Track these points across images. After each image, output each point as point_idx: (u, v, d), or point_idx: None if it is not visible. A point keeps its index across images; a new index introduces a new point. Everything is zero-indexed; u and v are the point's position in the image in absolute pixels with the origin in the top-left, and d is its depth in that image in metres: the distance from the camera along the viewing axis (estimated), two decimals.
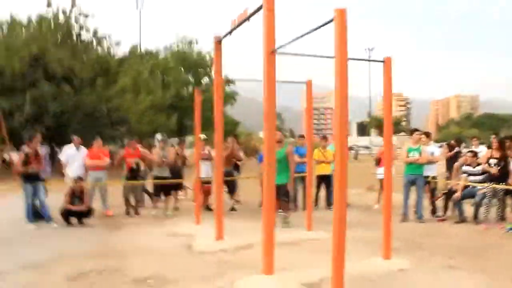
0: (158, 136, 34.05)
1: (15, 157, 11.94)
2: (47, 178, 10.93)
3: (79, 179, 10.41)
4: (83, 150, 11.70)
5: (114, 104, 25.77)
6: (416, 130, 11.36)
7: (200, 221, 9.62)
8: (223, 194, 8.50)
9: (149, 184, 12.30)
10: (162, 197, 11.62)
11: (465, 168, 10.40)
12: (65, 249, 7.65)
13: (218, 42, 7.72)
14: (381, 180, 12.29)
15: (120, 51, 29.82)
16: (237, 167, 12.82)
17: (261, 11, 5.54)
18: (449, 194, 10.55)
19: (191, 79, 36.04)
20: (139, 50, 31.48)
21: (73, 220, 10.01)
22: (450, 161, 12.66)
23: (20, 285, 5.87)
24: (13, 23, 26.38)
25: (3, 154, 26.60)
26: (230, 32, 6.96)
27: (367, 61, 7.84)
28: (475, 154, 10.47)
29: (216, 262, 6.75)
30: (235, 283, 5.68)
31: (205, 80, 36.82)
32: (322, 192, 12.50)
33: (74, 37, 27.72)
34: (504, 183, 9.64)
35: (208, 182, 11.73)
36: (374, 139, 74.24)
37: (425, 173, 10.57)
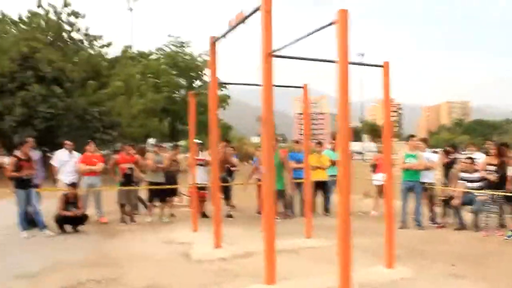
0: (151, 140, 33.93)
1: (6, 161, 11.75)
2: (40, 183, 10.71)
3: (73, 185, 10.25)
4: (76, 154, 11.51)
5: (105, 107, 25.54)
6: (413, 136, 11.31)
7: (197, 228, 9.47)
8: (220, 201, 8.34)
9: (143, 190, 12.13)
10: (157, 203, 11.45)
11: (463, 174, 10.33)
12: (60, 258, 7.46)
13: (214, 43, 7.61)
14: (378, 186, 12.27)
15: (112, 53, 29.63)
16: (230, 173, 12.67)
17: (258, 13, 5.44)
18: (447, 200, 10.49)
19: (183, 82, 35.91)
20: (131, 51, 31.24)
21: (68, 227, 9.84)
22: (447, 168, 12.56)
23: None
24: (3, 21, 26.10)
25: None
26: (226, 33, 6.86)
27: (365, 65, 7.70)
28: (472, 161, 10.41)
29: (215, 271, 6.62)
30: None
31: (197, 83, 36.74)
32: (319, 198, 12.37)
33: (65, 37, 27.50)
34: (502, 190, 9.59)
35: (204, 188, 11.59)
36: (367, 145, 74.29)
37: (423, 180, 10.51)
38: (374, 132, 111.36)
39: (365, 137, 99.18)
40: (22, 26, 26.34)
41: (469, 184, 10.15)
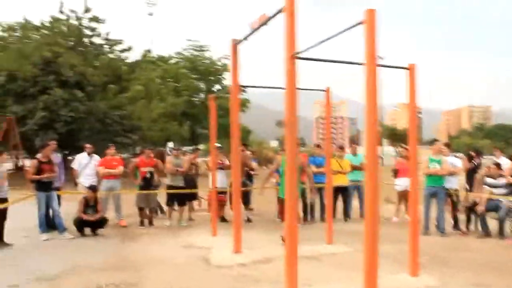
0: (170, 144, 34.02)
1: (27, 163, 11.81)
2: (61, 186, 10.75)
3: (93, 188, 10.26)
4: (96, 157, 11.54)
5: (126, 111, 25.69)
6: (436, 140, 11.11)
7: (216, 233, 9.39)
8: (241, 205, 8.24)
9: (162, 194, 12.10)
10: (176, 207, 11.40)
11: (488, 180, 10.09)
12: (79, 261, 7.45)
13: (235, 45, 7.53)
14: (399, 192, 12.06)
15: (132, 57, 29.84)
16: (249, 177, 12.56)
17: (281, 14, 5.34)
18: (471, 207, 10.25)
19: (202, 86, 35.97)
20: (150, 55, 31.41)
21: (87, 230, 9.85)
22: (470, 173, 12.34)
23: None
24: (25, 27, 26.47)
25: (16, 161, 26.65)
26: (248, 36, 6.78)
27: (390, 67, 7.54)
28: (498, 166, 10.16)
29: (234, 276, 6.52)
30: None
31: (217, 87, 36.74)
32: (339, 203, 12.19)
33: (86, 42, 27.79)
34: None
35: (223, 192, 11.51)
36: (386, 149, 73.65)
37: (446, 185, 10.28)
38: (394, 136, 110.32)
39: (385, 141, 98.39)
40: (44, 32, 26.65)
41: (495, 190, 9.91)
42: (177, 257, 7.76)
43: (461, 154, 14.10)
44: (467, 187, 12.37)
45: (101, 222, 9.97)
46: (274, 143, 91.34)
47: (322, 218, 11.65)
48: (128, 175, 11.88)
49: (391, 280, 6.06)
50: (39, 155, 9.77)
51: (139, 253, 8.11)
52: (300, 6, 5.11)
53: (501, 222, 9.62)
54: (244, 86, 8.31)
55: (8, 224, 8.92)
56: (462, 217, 10.69)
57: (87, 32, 27.68)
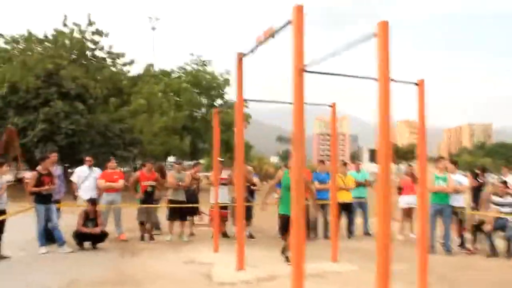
0: (170, 158, 33.88)
1: (28, 175, 11.66)
2: (61, 199, 10.58)
3: (93, 201, 10.10)
4: (96, 170, 11.38)
5: (127, 124, 25.62)
6: (442, 157, 10.98)
7: (218, 249, 9.22)
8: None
9: (162, 208, 11.93)
10: (177, 221, 11.21)
11: (495, 198, 9.94)
12: (78, 275, 7.28)
13: (240, 59, 7.42)
14: (403, 210, 11.91)
15: (134, 71, 29.86)
16: (251, 192, 12.39)
17: (289, 27, 5.24)
18: (478, 225, 10.09)
19: (204, 100, 35.94)
20: (152, 70, 31.43)
21: (86, 244, 9.67)
22: (475, 191, 12.19)
23: None
24: (29, 39, 26.53)
25: (16, 173, 26.49)
26: (254, 49, 6.68)
27: (398, 82, 7.39)
28: (506, 184, 10.01)
29: None
30: None
31: (218, 102, 36.69)
32: (342, 220, 12.02)
33: (89, 55, 27.84)
34: None
35: (225, 207, 11.34)
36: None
37: (452, 203, 10.12)
38: (395, 153, 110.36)
39: None
40: (47, 44, 26.70)
41: (502, 209, 9.75)
42: (178, 272, 7.59)
43: (466, 172, 13.94)
44: (472, 205, 12.23)
45: (101, 236, 9.80)
46: (274, 159, 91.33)
47: (326, 235, 11.49)
48: (129, 188, 11.73)
49: None
50: (39, 167, 9.64)
51: (139, 268, 7.94)
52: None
53: (508, 241, 9.45)
54: (249, 101, 8.17)
55: (6, 236, 8.77)
56: (468, 235, 10.53)
57: (90, 45, 27.73)
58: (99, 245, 9.76)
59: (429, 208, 9.95)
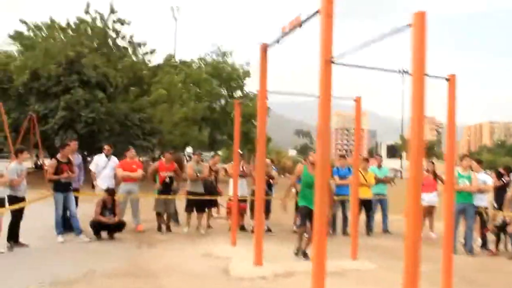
0: (189, 149, 33.85)
1: (47, 162, 11.66)
2: (80, 188, 10.55)
3: (110, 190, 10.05)
4: (114, 159, 11.33)
5: (146, 114, 25.61)
6: (466, 156, 10.70)
7: (235, 242, 9.11)
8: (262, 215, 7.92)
9: (181, 199, 11.86)
10: (195, 213, 11.13)
11: None
12: (94, 266, 7.21)
13: (264, 50, 7.26)
14: (424, 207, 11.67)
15: (155, 60, 29.80)
16: (269, 186, 12.23)
17: (317, 17, 5.07)
18: (502, 227, 9.84)
19: (223, 92, 35.81)
20: (173, 60, 31.37)
21: (104, 233, 9.64)
22: (499, 191, 11.86)
23: None
24: (52, 27, 26.62)
25: (36, 160, 26.72)
26: (279, 40, 6.52)
27: (428, 76, 7.11)
28: None
29: None
30: None
31: (237, 93, 36.52)
32: (361, 217, 11.83)
33: (110, 44, 27.84)
34: None
35: (243, 200, 11.22)
36: (405, 162, 72.76)
37: (476, 203, 9.88)
38: None
39: (405, 154, 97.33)
40: (70, 32, 26.76)
41: None
42: (195, 266, 7.50)
43: (490, 171, 13.61)
44: (495, 205, 11.94)
45: (119, 226, 9.76)
46: (292, 152, 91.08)
47: (344, 232, 11.34)
48: (146, 178, 11.67)
49: None
50: (58, 155, 9.61)
51: (156, 260, 7.87)
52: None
53: None
54: (272, 93, 7.99)
55: (24, 224, 8.74)
56: (490, 236, 10.30)
57: (112, 34, 27.73)
58: (116, 235, 9.73)
59: None
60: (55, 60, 23.98)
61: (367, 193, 11.55)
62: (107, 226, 9.65)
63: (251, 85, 35.57)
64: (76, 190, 10.18)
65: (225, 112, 33.05)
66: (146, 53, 29.01)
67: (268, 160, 12.65)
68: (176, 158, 12.54)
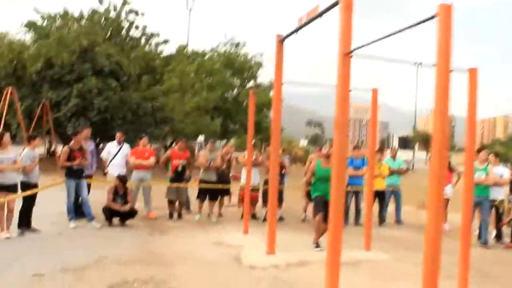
0: (201, 138, 33.81)
1: (59, 149, 11.65)
2: (92, 174, 10.52)
3: (122, 177, 10.02)
4: (126, 147, 11.30)
5: (159, 102, 25.61)
6: (482, 148, 10.54)
7: (247, 231, 9.06)
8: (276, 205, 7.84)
9: (193, 187, 11.83)
10: (207, 201, 11.09)
11: None
12: (106, 252, 7.19)
13: (281, 41, 7.15)
14: None
15: (168, 50, 29.75)
16: (282, 175, 12.13)
17: (336, 8, 4.95)
18: None
19: (236, 82, 35.65)
20: (186, 50, 31.29)
21: (115, 220, 9.64)
22: None
23: None
24: (66, 17, 26.67)
25: (49, 146, 26.86)
26: (295, 32, 6.41)
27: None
28: None
29: (269, 280, 6.17)
30: None
31: (250, 84, 36.34)
32: (374, 208, 11.74)
33: (123, 33, 27.85)
34: None
35: (255, 189, 11.16)
36: (417, 155, 72.43)
37: (492, 196, 9.73)
38: (426, 142, 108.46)
39: (417, 146, 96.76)
40: (83, 22, 26.78)
41: None
42: (207, 254, 7.46)
43: (507, 165, 13.43)
44: (511, 198, 11.78)
45: (130, 213, 9.75)
46: (303, 142, 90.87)
47: (357, 222, 11.26)
48: (159, 166, 11.64)
49: None
50: (71, 142, 9.60)
51: (168, 248, 7.83)
52: None
53: None
54: (287, 84, 7.86)
55: (37, 209, 8.75)
56: (506, 229, 10.18)
57: (125, 24, 27.74)
58: (128, 222, 9.72)
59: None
60: (69, 49, 23.99)
61: (381, 185, 11.46)
62: (119, 213, 9.64)
63: (264, 75, 35.36)
64: (89, 176, 10.16)
65: (237, 102, 32.84)
66: (159, 43, 29.00)
67: (280, 150, 12.57)
68: (188, 146, 12.49)
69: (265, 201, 10.94)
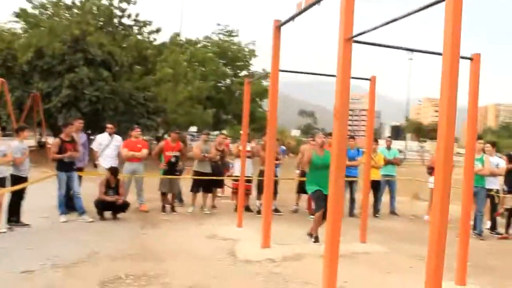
0: (193, 128, 33.64)
1: (50, 141, 11.45)
2: (84, 167, 10.33)
3: (114, 169, 9.85)
4: (117, 138, 11.07)
5: (151, 93, 25.38)
6: (479, 138, 10.45)
7: (241, 224, 8.94)
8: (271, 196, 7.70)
9: (186, 180, 11.69)
10: (200, 193, 10.96)
11: None
12: (97, 247, 7.05)
13: (278, 27, 6.98)
14: (433, 190, 11.47)
15: (160, 39, 29.45)
16: (275, 166, 11.97)
17: None
18: None
19: (229, 71, 35.42)
20: (179, 39, 30.98)
21: (107, 213, 9.48)
22: (510, 174, 11.62)
23: None
24: (57, 5, 26.30)
25: (39, 137, 26.58)
26: (294, 17, 6.25)
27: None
28: None
29: (264, 274, 6.05)
30: None
31: (243, 73, 36.12)
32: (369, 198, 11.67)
33: (116, 22, 27.52)
34: None
35: (248, 181, 11.03)
36: (409, 144, 72.59)
37: (488, 186, 9.67)
38: (418, 131, 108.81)
39: (409, 136, 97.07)
40: (75, 11, 26.40)
41: None
42: (201, 248, 7.33)
43: (501, 154, 13.34)
44: (505, 187, 11.72)
45: (122, 206, 9.59)
46: (295, 132, 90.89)
47: (351, 213, 11.19)
48: (151, 158, 11.48)
49: None
50: (62, 134, 9.40)
51: (161, 242, 7.69)
52: None
53: None
54: (284, 72, 7.68)
55: (27, 203, 8.58)
56: (501, 220, 10.13)
57: (117, 12, 27.37)
58: (120, 215, 9.57)
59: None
60: (60, 38, 23.66)
61: (376, 175, 11.37)
62: (111, 206, 9.48)
63: (257, 65, 35.17)
64: (81, 169, 9.98)
65: (230, 92, 32.69)
66: (152, 31, 28.65)
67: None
68: (181, 137, 12.32)
69: (259, 193, 10.83)
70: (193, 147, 11.29)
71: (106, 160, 10.55)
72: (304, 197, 11.28)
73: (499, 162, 10.08)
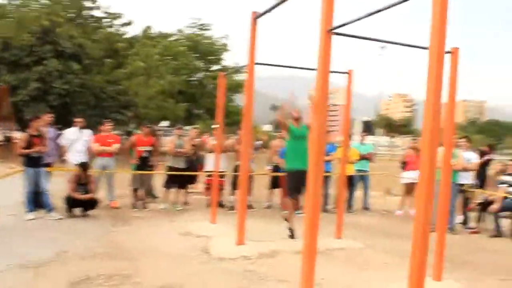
0: (164, 123, 33.24)
1: (17, 135, 11.10)
2: (52, 163, 10.01)
3: (84, 165, 9.57)
4: (86, 133, 10.75)
5: (122, 86, 24.98)
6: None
7: (215, 220, 8.79)
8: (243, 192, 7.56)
9: (158, 175, 11.48)
10: (173, 189, 10.77)
11: (505, 177, 9.55)
12: (67, 246, 6.82)
13: (255, 19, 6.83)
14: (406, 185, 11.54)
15: (132, 32, 29.10)
16: None
17: None
18: (484, 205, 9.74)
19: (201, 65, 35.11)
20: (151, 32, 30.60)
21: (76, 210, 9.22)
22: (481, 169, 11.77)
23: None
24: None
25: (6, 132, 25.95)
26: (271, 9, 6.12)
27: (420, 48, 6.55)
28: None
29: (239, 272, 5.92)
30: None
31: (215, 67, 35.85)
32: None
33: (86, 15, 27.03)
34: None
35: (221, 176, 10.88)
36: (379, 139, 73.32)
37: (460, 181, 9.73)
38: (388, 126, 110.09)
39: (379, 131, 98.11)
40: (45, 1, 25.76)
41: (510, 189, 9.37)
42: (174, 246, 7.15)
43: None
44: (477, 182, 11.88)
45: (92, 203, 9.33)
46: (267, 127, 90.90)
47: (324, 208, 11.14)
48: (122, 152, 11.21)
49: None
50: (29, 129, 9.08)
51: (133, 240, 7.49)
52: None
53: None
54: (261, 65, 7.51)
55: None
56: (473, 214, 10.23)
57: (88, 4, 26.87)
58: (90, 212, 9.31)
59: (435, 186, 9.60)
60: (29, 29, 23.07)
61: (349, 170, 11.34)
62: (81, 203, 9.22)
63: (229, 59, 34.99)
64: (49, 165, 9.66)
65: (202, 86, 32.43)
66: (123, 24, 28.24)
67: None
68: (153, 131, 12.09)
69: (233, 189, 10.71)
70: (167, 142, 11.07)
71: (75, 155, 10.24)
72: (278, 192, 11.21)
73: (470, 157, 10.15)
